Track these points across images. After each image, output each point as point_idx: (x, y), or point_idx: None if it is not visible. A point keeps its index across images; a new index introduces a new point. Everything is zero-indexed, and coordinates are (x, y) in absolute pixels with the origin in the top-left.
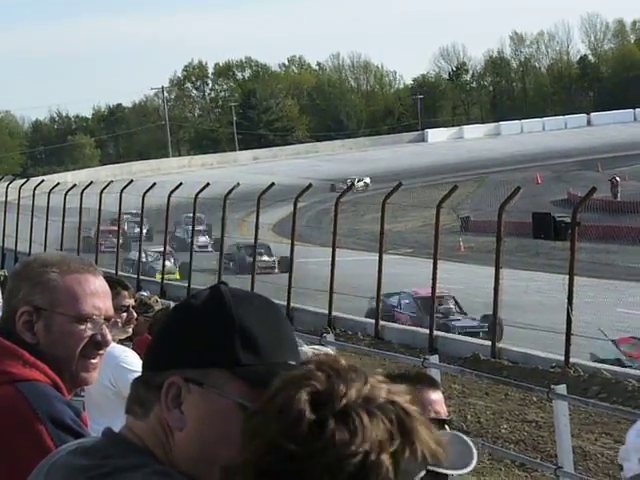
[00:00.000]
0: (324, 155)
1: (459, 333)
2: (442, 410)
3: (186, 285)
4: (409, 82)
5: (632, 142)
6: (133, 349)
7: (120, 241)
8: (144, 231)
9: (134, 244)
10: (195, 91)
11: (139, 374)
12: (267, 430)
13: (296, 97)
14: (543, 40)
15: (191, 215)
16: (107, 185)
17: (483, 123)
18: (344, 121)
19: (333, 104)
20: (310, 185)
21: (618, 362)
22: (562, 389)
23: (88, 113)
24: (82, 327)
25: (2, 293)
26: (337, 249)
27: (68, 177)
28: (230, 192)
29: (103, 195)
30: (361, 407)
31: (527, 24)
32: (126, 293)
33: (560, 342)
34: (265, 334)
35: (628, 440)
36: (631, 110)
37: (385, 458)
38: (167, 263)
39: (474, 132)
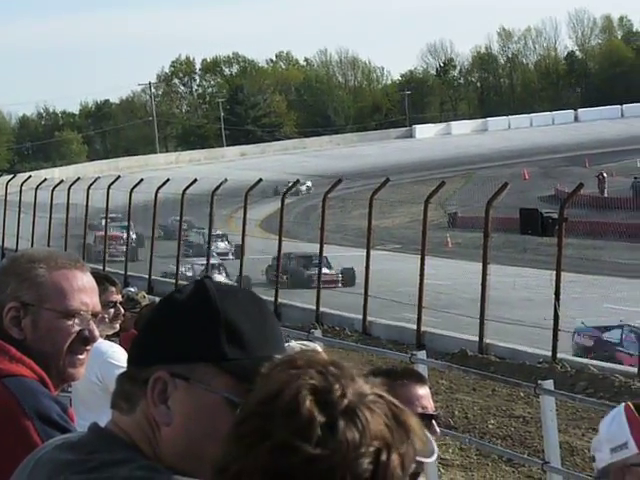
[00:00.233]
0: (312, 151)
1: None
2: (429, 405)
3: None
4: (397, 78)
5: (619, 138)
6: (120, 345)
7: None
8: (132, 237)
9: (140, 250)
10: (182, 87)
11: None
12: (277, 432)
13: (284, 93)
14: (531, 36)
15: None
16: (94, 181)
17: (471, 119)
18: (332, 117)
19: (321, 100)
20: (298, 181)
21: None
22: (549, 384)
23: (75, 109)
24: (70, 323)
25: None
26: (325, 245)
27: (55, 173)
28: (218, 188)
29: (90, 191)
30: (362, 404)
31: (515, 20)
32: (113, 289)
33: (547, 338)
34: (251, 328)
35: (601, 430)
36: (618, 106)
37: (394, 456)
38: (219, 277)
39: (462, 128)
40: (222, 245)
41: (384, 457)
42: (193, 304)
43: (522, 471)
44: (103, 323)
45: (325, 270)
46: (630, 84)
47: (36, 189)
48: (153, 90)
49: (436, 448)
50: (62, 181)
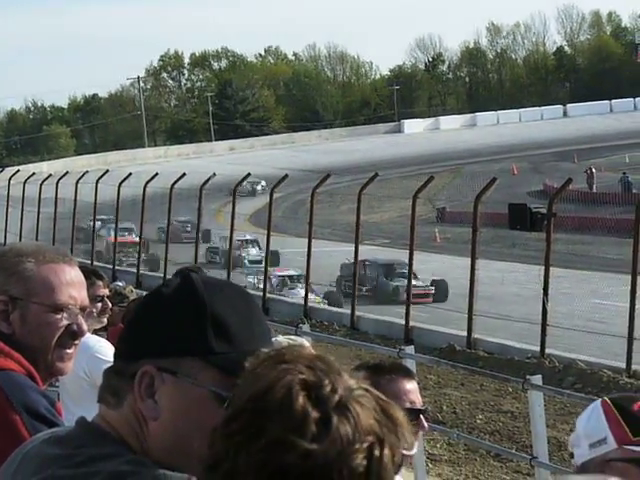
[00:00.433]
0: (300, 146)
1: None
2: (417, 400)
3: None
4: (385, 73)
5: (608, 133)
6: (107, 339)
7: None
8: (136, 239)
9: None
10: (171, 81)
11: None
12: (271, 428)
13: (272, 87)
14: (519, 31)
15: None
16: (83, 175)
17: (459, 114)
18: (320, 112)
19: (309, 95)
20: (286, 176)
21: None
22: (537, 380)
23: (64, 103)
24: (58, 317)
25: None
26: (313, 240)
27: (44, 167)
28: (206, 182)
29: (79, 185)
30: (352, 399)
31: (503, 15)
32: (101, 283)
33: (536, 333)
34: (238, 322)
35: (579, 426)
36: (607, 101)
37: (386, 451)
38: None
39: (450, 123)
40: (254, 252)
41: (377, 452)
42: (179, 298)
43: (510, 466)
44: (91, 317)
45: (414, 282)
46: (619, 79)
47: (24, 183)
48: (142, 84)
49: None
50: (50, 175)
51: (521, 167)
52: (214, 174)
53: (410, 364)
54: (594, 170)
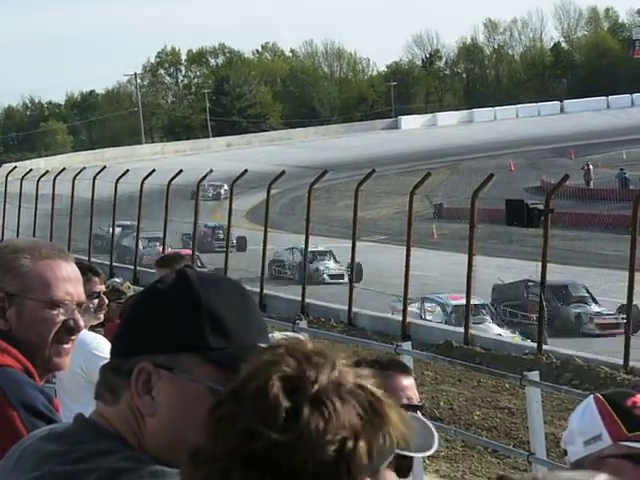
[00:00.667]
0: (297, 142)
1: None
2: (414, 396)
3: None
4: (382, 69)
5: (605, 130)
6: (105, 335)
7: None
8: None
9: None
10: (168, 78)
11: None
12: (243, 417)
13: (269, 84)
14: (516, 27)
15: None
16: (80, 172)
17: (456, 110)
18: (317, 108)
19: (306, 91)
20: (283, 172)
21: None
22: (535, 376)
23: (61, 99)
24: (54, 312)
25: None
26: (310, 236)
27: (41, 163)
28: (203, 179)
29: (76, 182)
30: (333, 392)
31: (501, 11)
32: (97, 279)
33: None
34: (234, 317)
35: (572, 423)
36: (604, 97)
37: (361, 445)
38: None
39: (447, 119)
40: (332, 265)
41: (350, 445)
42: (175, 294)
43: (507, 462)
44: (88, 313)
45: (596, 308)
46: (616, 76)
47: (21, 180)
48: (139, 81)
49: (435, 442)
50: (47, 172)
51: (518, 163)
52: (211, 170)
53: (407, 360)
54: (591, 166)
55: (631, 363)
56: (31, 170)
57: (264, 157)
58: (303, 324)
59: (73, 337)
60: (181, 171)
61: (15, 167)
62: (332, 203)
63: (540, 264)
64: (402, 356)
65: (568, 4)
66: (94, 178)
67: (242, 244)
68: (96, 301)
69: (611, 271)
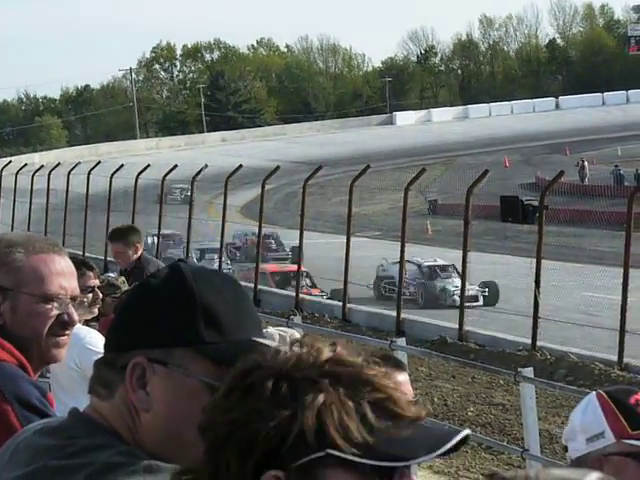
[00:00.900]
0: (292, 137)
1: None
2: (408, 392)
3: None
4: (378, 65)
5: (600, 126)
6: (99, 330)
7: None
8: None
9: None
10: (163, 73)
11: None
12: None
13: (264, 79)
14: (512, 23)
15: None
16: (75, 166)
17: (451, 106)
18: (312, 103)
19: (301, 86)
20: (278, 167)
21: None
22: (529, 372)
23: (56, 94)
24: (48, 307)
25: None
26: (304, 231)
27: (35, 158)
28: (198, 174)
29: (70, 176)
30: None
31: (496, 7)
32: (91, 274)
33: (527, 325)
34: (227, 311)
35: (574, 420)
36: (599, 94)
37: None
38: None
39: (442, 115)
40: (457, 282)
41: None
42: (169, 288)
43: (502, 459)
44: (82, 307)
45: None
46: (611, 72)
47: (16, 174)
48: (134, 76)
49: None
50: (42, 166)
51: (513, 159)
52: (206, 165)
53: (401, 356)
54: (586, 163)
55: (625, 360)
56: (26, 165)
57: (259, 152)
58: (297, 320)
59: (68, 331)
60: (176, 166)
61: (10, 162)
62: (326, 199)
63: (535, 260)
64: (396, 352)
65: (563, 0)
66: (89, 173)
67: (296, 255)
68: (90, 295)
69: (606, 267)
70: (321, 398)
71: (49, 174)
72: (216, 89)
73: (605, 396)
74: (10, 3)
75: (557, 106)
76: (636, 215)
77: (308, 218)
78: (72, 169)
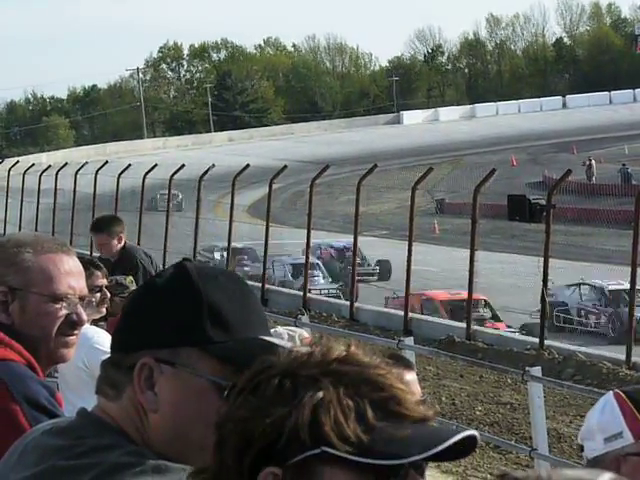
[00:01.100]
0: (299, 137)
1: None
2: (416, 391)
3: None
4: (384, 64)
5: (607, 125)
6: (107, 330)
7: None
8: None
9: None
10: (170, 72)
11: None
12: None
13: (271, 79)
14: (519, 22)
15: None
16: (82, 166)
17: (458, 105)
18: (319, 103)
19: (308, 86)
20: (285, 167)
21: None
22: (537, 371)
23: (63, 94)
24: (57, 306)
25: None
26: (312, 231)
27: (43, 158)
28: (205, 173)
29: (78, 176)
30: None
31: (503, 6)
32: (99, 273)
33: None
34: (234, 310)
35: (591, 420)
36: (606, 93)
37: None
38: None
39: (449, 114)
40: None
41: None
42: (174, 288)
43: (510, 458)
44: (90, 307)
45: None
46: (618, 71)
47: (24, 174)
48: (141, 75)
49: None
50: (50, 166)
51: (520, 158)
52: (213, 165)
53: (409, 355)
54: (593, 161)
55: (633, 358)
56: (33, 165)
57: (266, 152)
58: (305, 319)
59: (76, 331)
60: (183, 166)
61: (17, 162)
62: (334, 198)
63: (542, 259)
64: (404, 351)
65: None
66: (96, 173)
67: (385, 270)
68: (98, 295)
69: (613, 266)
70: (319, 396)
71: (56, 174)
72: (223, 89)
73: (623, 396)
74: (17, 3)
75: (564, 105)
76: None
77: (316, 217)
78: (79, 169)
